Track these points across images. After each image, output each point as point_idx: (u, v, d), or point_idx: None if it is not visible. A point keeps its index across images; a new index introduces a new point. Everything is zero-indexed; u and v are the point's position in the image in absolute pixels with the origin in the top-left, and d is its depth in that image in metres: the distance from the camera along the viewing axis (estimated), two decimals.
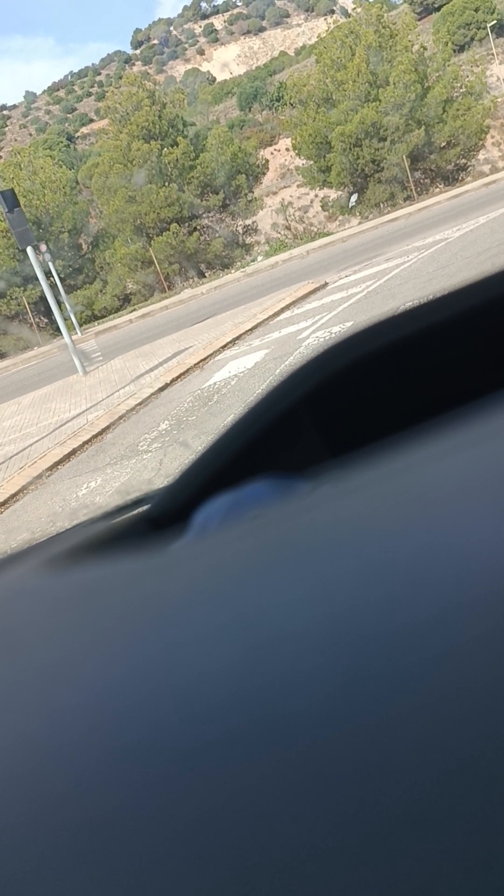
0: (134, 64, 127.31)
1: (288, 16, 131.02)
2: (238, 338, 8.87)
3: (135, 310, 23.32)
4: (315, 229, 28.63)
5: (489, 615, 0.16)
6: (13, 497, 5.37)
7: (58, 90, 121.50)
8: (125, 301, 26.44)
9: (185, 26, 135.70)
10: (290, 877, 0.13)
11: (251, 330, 9.12)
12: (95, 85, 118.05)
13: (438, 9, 62.21)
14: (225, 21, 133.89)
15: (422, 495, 0.24)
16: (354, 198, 24.98)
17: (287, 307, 9.92)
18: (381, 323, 0.49)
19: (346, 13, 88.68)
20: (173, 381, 7.60)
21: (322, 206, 27.63)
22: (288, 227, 29.60)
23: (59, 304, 12.41)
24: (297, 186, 30.15)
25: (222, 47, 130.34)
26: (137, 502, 0.58)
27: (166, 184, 24.33)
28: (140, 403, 7.02)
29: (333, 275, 11.74)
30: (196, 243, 25.05)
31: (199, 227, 25.90)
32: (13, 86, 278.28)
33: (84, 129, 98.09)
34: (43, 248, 16.60)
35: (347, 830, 0.13)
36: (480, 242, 9.02)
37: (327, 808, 0.14)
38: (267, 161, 29.46)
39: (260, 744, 0.16)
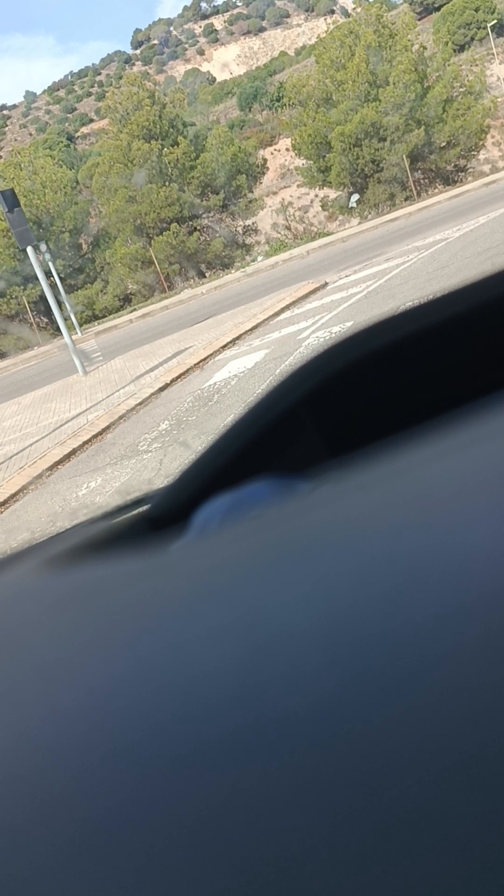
0: (134, 64, 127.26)
1: (288, 16, 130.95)
2: (238, 338, 8.86)
3: (135, 310, 23.31)
4: (315, 229, 28.63)
5: (489, 615, 0.16)
6: (13, 497, 5.36)
7: (58, 90, 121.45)
8: (125, 301, 26.43)
9: (185, 26, 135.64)
10: (290, 877, 0.13)
11: (251, 330, 9.12)
12: (95, 85, 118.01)
13: (438, 9, 62.18)
14: (225, 21, 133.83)
15: (422, 495, 0.23)
16: (355, 198, 24.97)
17: (287, 307, 9.92)
18: (381, 323, 0.49)
19: (346, 13, 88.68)
20: (173, 381, 7.60)
21: (322, 206, 27.63)
22: (288, 227, 29.59)
23: (59, 303, 12.40)
24: (297, 186, 30.14)
25: (222, 47, 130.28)
26: (137, 502, 0.58)
27: (166, 184, 24.32)
28: (140, 403, 7.02)
29: (333, 275, 11.73)
30: (196, 243, 25.05)
31: (199, 227, 25.89)
32: (13, 85, 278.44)
33: (84, 129, 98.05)
34: (43, 247, 16.60)
35: (347, 830, 0.13)
36: (480, 242, 9.02)
37: (327, 807, 0.14)
38: (266, 161, 29.43)
39: (260, 743, 0.16)
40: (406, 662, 0.16)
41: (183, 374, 7.78)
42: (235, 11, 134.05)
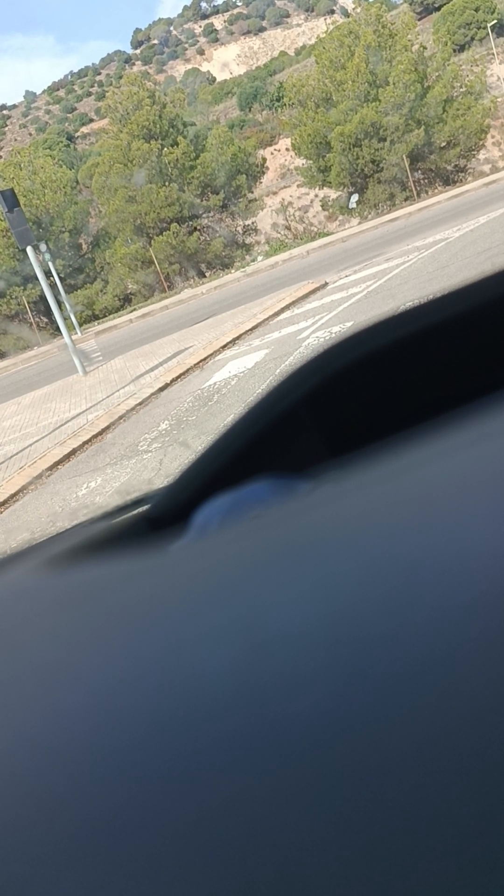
0: (134, 64, 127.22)
1: (288, 16, 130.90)
2: (238, 338, 8.86)
3: (135, 310, 23.31)
4: (315, 229, 28.62)
5: (489, 615, 0.16)
6: (13, 497, 5.36)
7: (58, 90, 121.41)
8: (125, 301, 26.43)
9: (185, 26, 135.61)
10: (290, 876, 0.13)
11: (251, 330, 9.12)
12: (95, 85, 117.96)
13: (438, 9, 62.19)
14: (225, 21, 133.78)
15: (422, 495, 0.24)
16: (355, 198, 24.96)
17: (287, 307, 9.92)
18: (381, 323, 0.49)
19: (346, 13, 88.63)
20: (173, 381, 7.60)
21: (322, 206, 27.63)
22: (288, 227, 29.59)
23: (59, 303, 12.40)
24: (297, 186, 30.14)
25: (222, 47, 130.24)
26: (137, 502, 0.58)
27: (166, 184, 24.32)
28: (140, 403, 7.02)
29: (333, 275, 11.73)
30: (196, 243, 25.04)
31: (199, 227, 25.89)
32: (13, 85, 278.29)
33: (84, 129, 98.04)
34: (43, 247, 16.61)
35: (347, 830, 0.13)
36: (480, 242, 9.02)
37: (327, 807, 0.14)
38: (266, 161, 29.42)
39: (259, 743, 0.16)
40: (406, 662, 0.16)
41: (183, 374, 7.78)
42: (235, 11, 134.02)
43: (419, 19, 53.88)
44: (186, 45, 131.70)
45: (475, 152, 25.50)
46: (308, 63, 39.90)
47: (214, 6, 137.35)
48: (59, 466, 5.86)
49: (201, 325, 11.72)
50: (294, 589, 0.21)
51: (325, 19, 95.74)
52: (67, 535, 0.51)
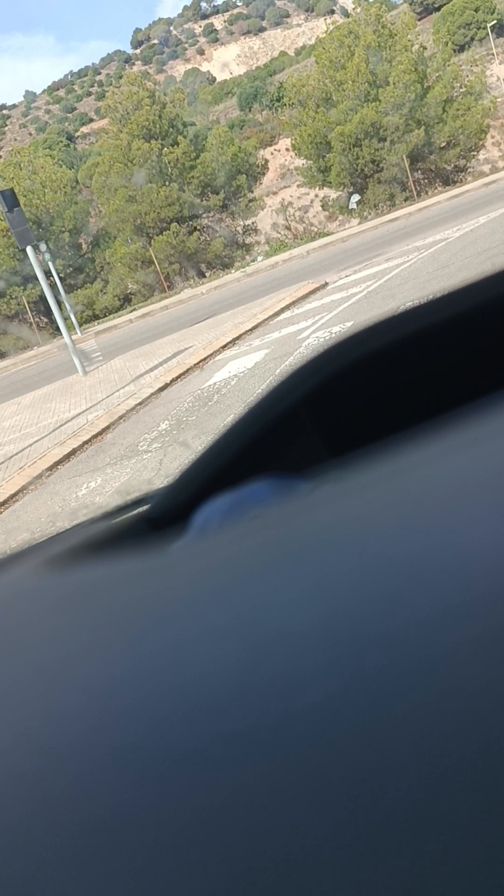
0: (134, 64, 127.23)
1: (288, 16, 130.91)
2: (238, 338, 8.86)
3: (135, 310, 23.31)
4: (315, 229, 28.63)
5: (489, 615, 0.16)
6: (13, 497, 5.36)
7: (58, 90, 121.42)
8: (125, 301, 26.43)
9: (185, 26, 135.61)
10: (290, 876, 0.13)
11: (251, 330, 9.12)
12: (95, 84, 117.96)
13: (438, 9, 62.21)
14: (225, 21, 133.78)
15: (421, 495, 0.24)
16: (355, 199, 24.96)
17: (287, 307, 9.92)
18: (381, 323, 0.49)
19: (346, 13, 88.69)
20: (173, 381, 7.60)
21: (322, 207, 27.63)
22: (288, 227, 29.60)
23: (59, 303, 12.40)
24: (297, 186, 30.14)
25: (222, 47, 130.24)
26: (137, 502, 0.58)
27: (166, 183, 24.33)
28: (140, 403, 7.02)
29: (333, 275, 11.73)
30: (196, 243, 25.05)
31: (199, 227, 25.90)
32: (13, 85, 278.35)
33: (84, 129, 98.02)
34: (43, 247, 16.61)
35: (347, 830, 0.13)
36: (480, 242, 9.02)
37: (327, 807, 0.14)
38: (266, 161, 29.44)
39: (260, 743, 0.16)
40: (406, 662, 0.16)
41: (183, 374, 7.78)
42: (235, 11, 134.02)
43: (419, 19, 53.86)
44: (186, 45, 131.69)
45: (475, 152, 25.50)
46: (308, 63, 39.88)
47: (214, 6, 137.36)
48: (59, 466, 5.86)
49: (201, 325, 11.72)
50: (294, 589, 0.21)
51: (325, 19, 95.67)
52: (67, 535, 0.51)
